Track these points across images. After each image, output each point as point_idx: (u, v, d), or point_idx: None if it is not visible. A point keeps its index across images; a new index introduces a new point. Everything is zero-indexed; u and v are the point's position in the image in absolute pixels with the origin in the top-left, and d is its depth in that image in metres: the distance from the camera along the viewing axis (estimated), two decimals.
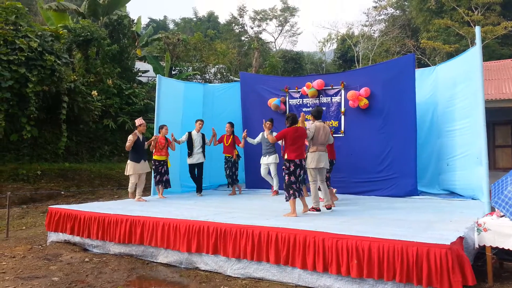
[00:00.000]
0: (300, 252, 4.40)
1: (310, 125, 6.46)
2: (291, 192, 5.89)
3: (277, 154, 8.54)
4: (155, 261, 5.55)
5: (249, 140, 8.71)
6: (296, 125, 6.11)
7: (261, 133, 8.73)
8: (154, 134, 8.63)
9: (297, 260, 4.41)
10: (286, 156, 6.00)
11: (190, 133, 8.76)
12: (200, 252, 5.12)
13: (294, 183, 5.92)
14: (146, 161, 8.14)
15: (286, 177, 5.95)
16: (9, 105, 10.83)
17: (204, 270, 5.10)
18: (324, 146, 6.32)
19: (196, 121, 8.83)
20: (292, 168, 5.92)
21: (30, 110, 11.12)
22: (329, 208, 6.25)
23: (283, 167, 6.07)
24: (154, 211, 6.22)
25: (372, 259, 3.98)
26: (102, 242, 6.07)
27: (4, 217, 7.73)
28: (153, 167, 8.27)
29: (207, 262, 5.10)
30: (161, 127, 8.36)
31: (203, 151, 8.77)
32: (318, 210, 6.09)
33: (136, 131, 7.84)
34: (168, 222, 5.45)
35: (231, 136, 8.81)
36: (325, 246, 4.25)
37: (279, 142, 6.86)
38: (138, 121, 7.97)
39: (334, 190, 7.37)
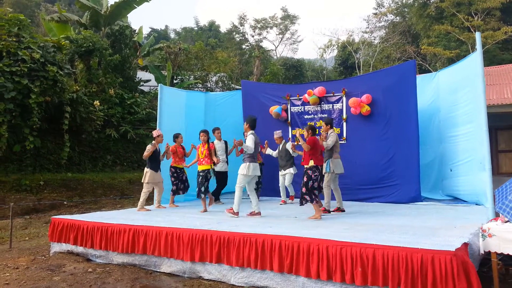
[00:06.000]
0: (304, 260, 4.37)
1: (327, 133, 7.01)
2: (313, 196, 6.26)
3: (294, 166, 8.49)
4: (158, 270, 5.53)
5: (269, 150, 8.65)
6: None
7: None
8: (166, 143, 8.57)
9: (301, 268, 4.38)
10: (312, 163, 6.31)
11: (213, 143, 8.59)
12: (204, 261, 5.11)
13: (316, 189, 6.34)
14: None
15: (310, 183, 6.27)
16: (12, 116, 10.90)
17: (207, 279, 5.08)
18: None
19: (213, 130, 8.61)
20: (316, 174, 6.32)
21: (33, 121, 11.19)
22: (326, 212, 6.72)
23: (309, 171, 6.29)
24: (157, 220, 6.21)
25: (376, 266, 3.96)
26: (105, 252, 6.05)
27: (7, 227, 7.73)
28: (175, 174, 8.38)
29: (211, 271, 5.08)
30: (177, 136, 8.44)
31: (226, 160, 8.70)
32: (329, 212, 6.69)
33: (154, 141, 7.95)
34: (171, 231, 5.44)
35: None
36: (329, 254, 4.23)
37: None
38: (156, 132, 8.08)
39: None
